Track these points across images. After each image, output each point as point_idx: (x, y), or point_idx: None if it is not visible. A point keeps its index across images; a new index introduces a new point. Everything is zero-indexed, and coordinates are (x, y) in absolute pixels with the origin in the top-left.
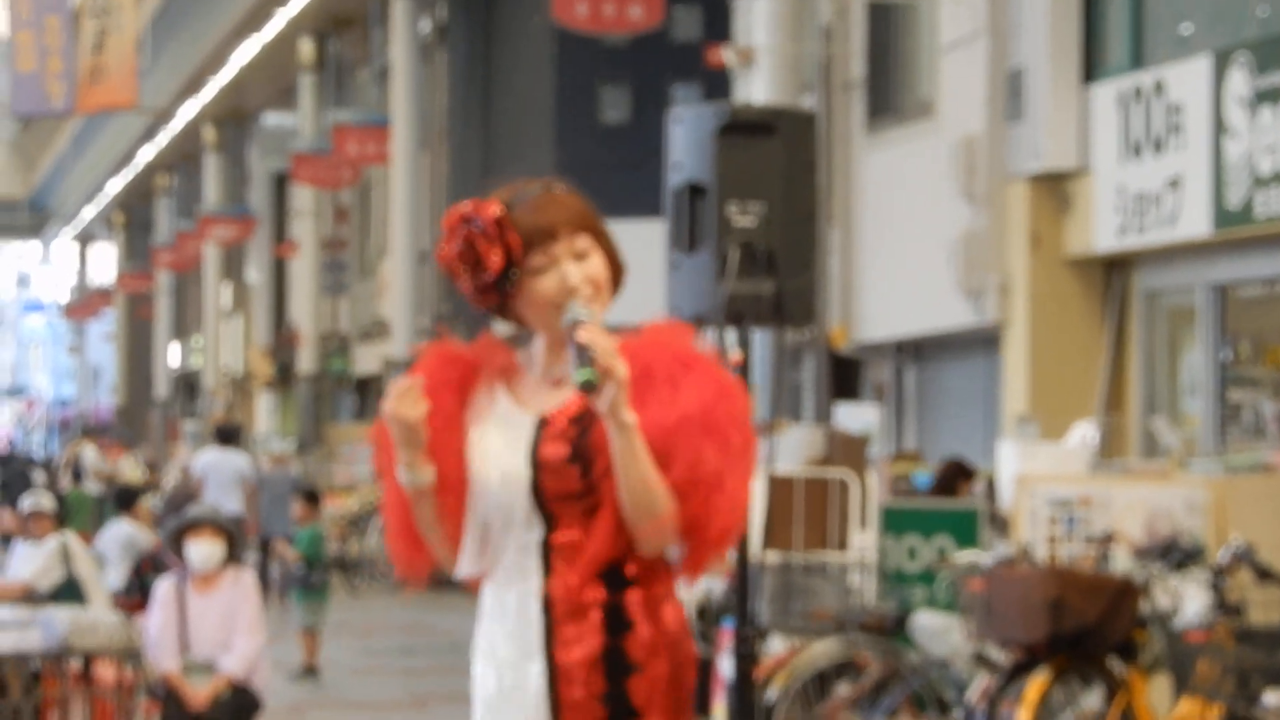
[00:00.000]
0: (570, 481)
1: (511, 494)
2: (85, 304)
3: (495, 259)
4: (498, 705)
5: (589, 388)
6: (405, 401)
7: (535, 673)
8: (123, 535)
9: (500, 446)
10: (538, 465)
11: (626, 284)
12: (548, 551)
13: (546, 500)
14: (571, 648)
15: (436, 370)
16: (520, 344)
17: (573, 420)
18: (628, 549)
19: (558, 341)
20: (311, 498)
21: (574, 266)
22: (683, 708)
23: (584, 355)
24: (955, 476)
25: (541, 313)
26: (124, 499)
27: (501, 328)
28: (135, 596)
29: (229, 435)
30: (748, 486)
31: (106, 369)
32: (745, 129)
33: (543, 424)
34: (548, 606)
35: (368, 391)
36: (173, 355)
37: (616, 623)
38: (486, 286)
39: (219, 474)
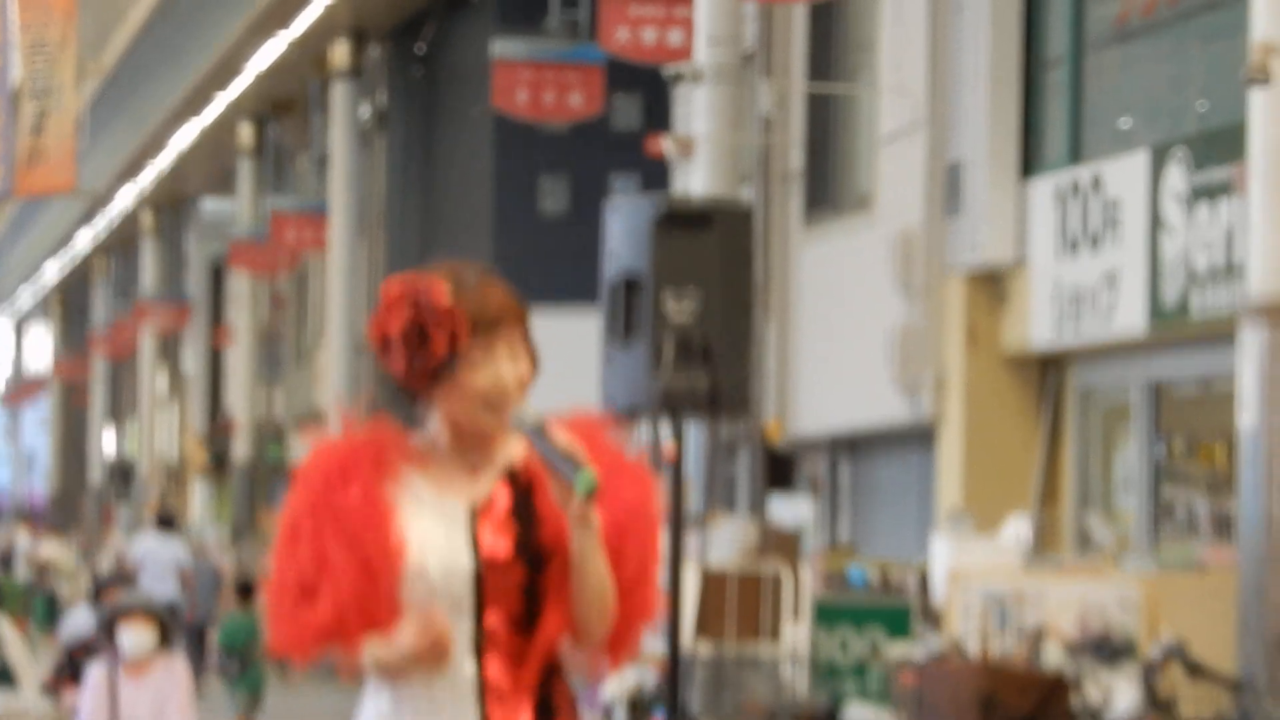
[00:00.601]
0: (516, 576)
1: (453, 586)
2: (20, 390)
3: (442, 346)
4: None
5: (593, 492)
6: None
7: None
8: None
9: (438, 537)
10: (479, 559)
11: (562, 373)
12: (480, 640)
13: (486, 590)
14: None
15: (357, 454)
16: (411, 429)
17: (511, 514)
18: (562, 639)
19: (471, 434)
20: (244, 589)
21: (509, 365)
22: None
23: (564, 460)
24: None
25: (467, 405)
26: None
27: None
28: (65, 676)
29: (168, 521)
30: (660, 584)
31: (41, 455)
32: (682, 220)
33: (474, 514)
34: (481, 695)
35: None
36: (108, 442)
37: (545, 712)
38: (423, 370)
39: (156, 561)
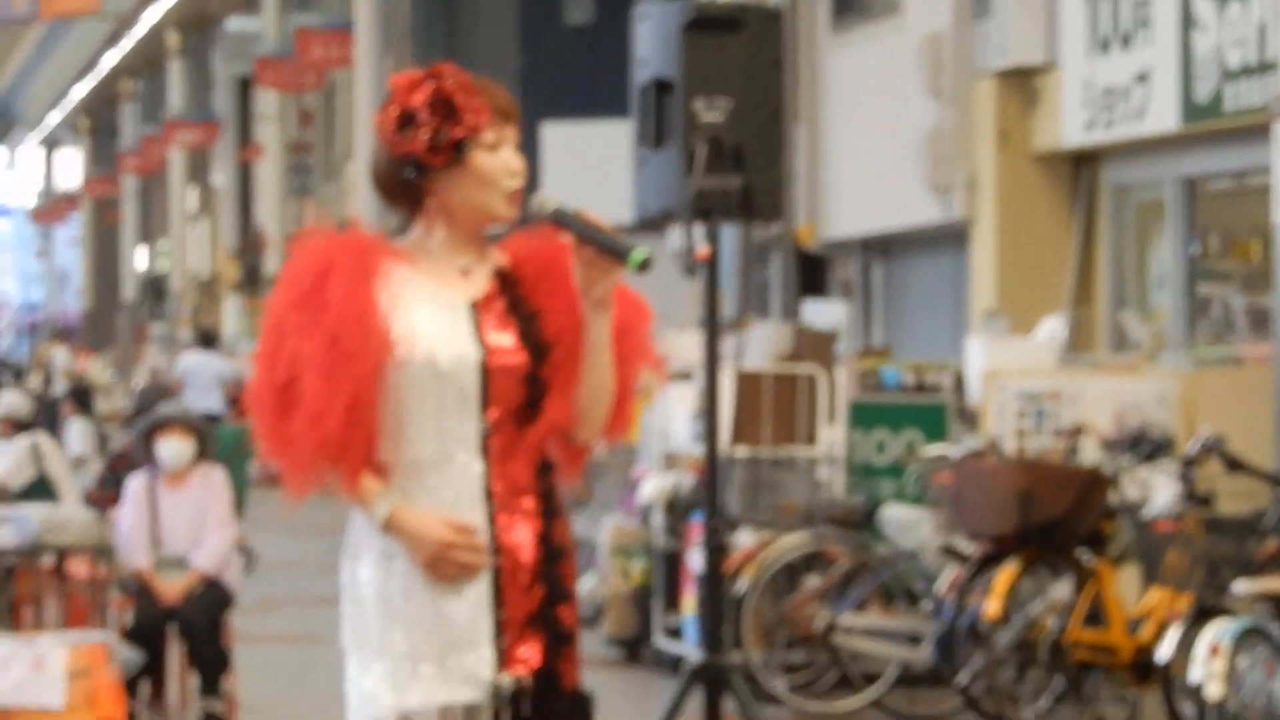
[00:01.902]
0: (520, 366)
1: (460, 375)
2: (51, 209)
3: (473, 115)
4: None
5: (647, 264)
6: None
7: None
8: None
9: (442, 327)
10: (486, 348)
11: (592, 183)
12: (485, 436)
13: (493, 384)
14: (513, 531)
15: (344, 258)
16: (394, 234)
17: (509, 309)
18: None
19: (471, 226)
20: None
21: (517, 156)
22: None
23: (610, 238)
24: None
25: (479, 190)
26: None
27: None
28: (110, 491)
29: (209, 338)
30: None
31: (74, 273)
32: (711, 25)
33: (475, 309)
34: (489, 493)
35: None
36: (140, 259)
37: (549, 508)
38: (448, 142)
39: (200, 376)
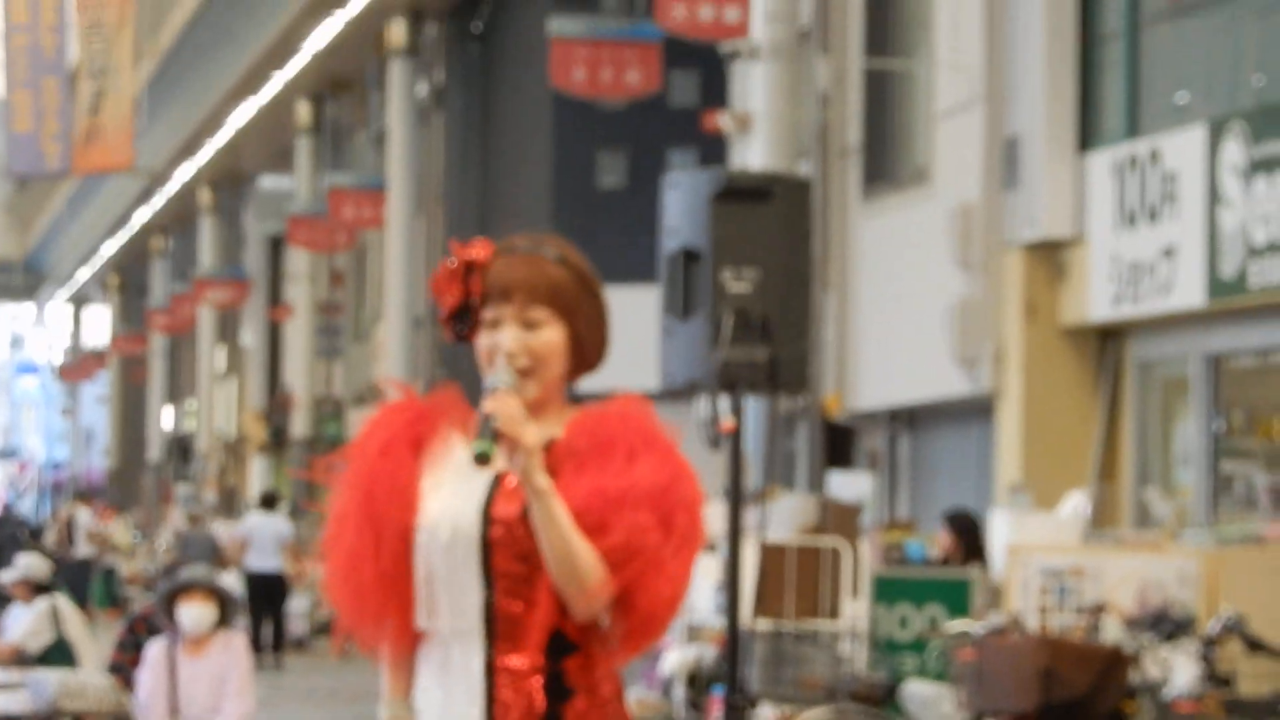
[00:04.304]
0: (521, 541)
1: (460, 548)
2: (79, 366)
3: (449, 298)
4: None
5: (482, 459)
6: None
7: None
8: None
9: (452, 498)
10: (489, 520)
11: (620, 349)
12: (491, 617)
13: (494, 559)
14: (511, 712)
15: (392, 423)
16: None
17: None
18: (568, 614)
19: None
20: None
21: (514, 332)
22: None
23: (486, 424)
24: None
25: (485, 366)
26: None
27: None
28: (130, 654)
29: (271, 500)
30: (687, 574)
31: (99, 432)
32: (741, 195)
33: (497, 480)
34: (490, 672)
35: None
36: (166, 418)
37: (557, 691)
38: (444, 320)
39: (262, 536)
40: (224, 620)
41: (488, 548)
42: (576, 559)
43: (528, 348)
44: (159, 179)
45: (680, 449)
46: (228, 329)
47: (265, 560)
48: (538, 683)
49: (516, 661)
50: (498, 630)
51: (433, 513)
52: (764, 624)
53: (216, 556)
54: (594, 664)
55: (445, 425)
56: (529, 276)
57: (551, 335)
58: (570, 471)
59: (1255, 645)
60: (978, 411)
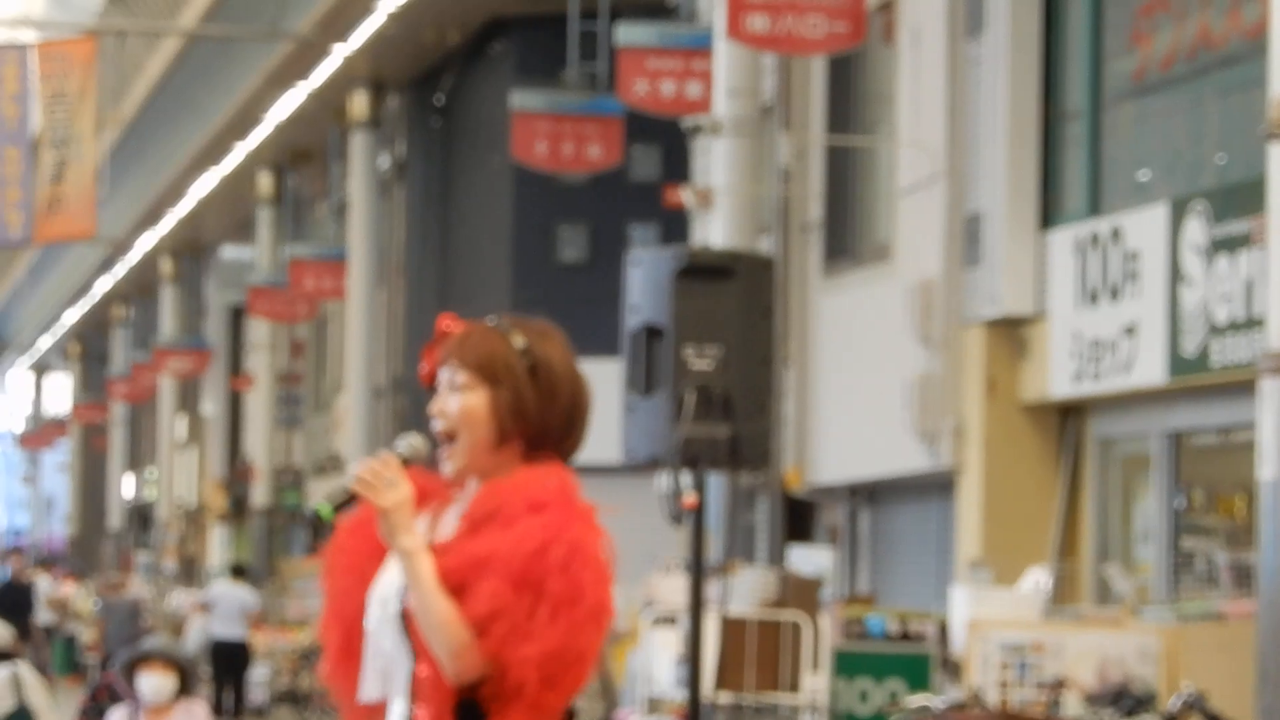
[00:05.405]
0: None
1: (385, 620)
2: (40, 434)
3: (424, 365)
4: None
5: (317, 519)
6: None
7: None
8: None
9: (391, 572)
10: (407, 591)
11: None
12: (413, 683)
13: (410, 630)
14: None
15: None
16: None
17: (441, 551)
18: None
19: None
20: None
21: (442, 396)
22: None
23: (340, 487)
24: None
25: None
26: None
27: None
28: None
29: (240, 570)
30: (570, 638)
31: (60, 499)
32: (703, 273)
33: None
34: None
35: (321, 526)
36: (127, 486)
37: None
38: (426, 388)
39: (229, 603)
40: (185, 689)
41: (405, 618)
42: (439, 620)
43: (444, 410)
44: (120, 248)
45: (594, 517)
46: (188, 398)
47: (229, 628)
48: None
49: None
50: (415, 693)
51: (379, 588)
52: (725, 697)
53: (135, 624)
54: None
55: (425, 504)
56: (460, 343)
57: (472, 400)
58: (462, 536)
59: None
60: (938, 487)
